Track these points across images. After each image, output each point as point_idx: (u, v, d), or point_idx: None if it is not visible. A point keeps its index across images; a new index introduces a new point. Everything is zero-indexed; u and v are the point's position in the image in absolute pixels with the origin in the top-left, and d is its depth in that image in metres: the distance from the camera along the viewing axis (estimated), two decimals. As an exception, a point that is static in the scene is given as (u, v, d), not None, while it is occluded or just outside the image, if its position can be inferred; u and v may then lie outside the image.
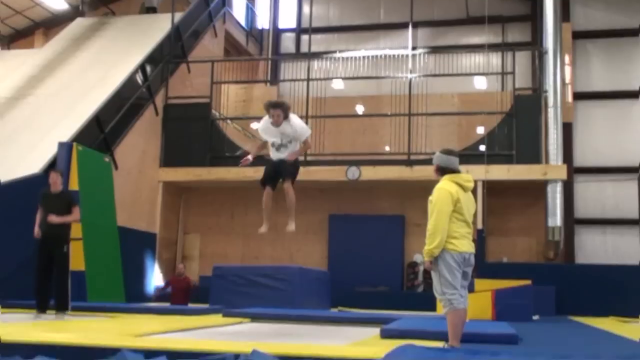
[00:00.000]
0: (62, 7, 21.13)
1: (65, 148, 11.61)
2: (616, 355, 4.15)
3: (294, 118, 7.16)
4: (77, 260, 10.51)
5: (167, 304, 12.31)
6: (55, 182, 8.54)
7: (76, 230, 10.27)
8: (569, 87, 16.32)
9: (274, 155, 7.21)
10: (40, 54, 16.93)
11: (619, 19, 16.87)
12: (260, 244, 15.92)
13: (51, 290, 8.51)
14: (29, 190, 10.23)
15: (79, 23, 18.57)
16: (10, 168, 11.31)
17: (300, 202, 15.69)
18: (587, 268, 14.41)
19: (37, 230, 8.35)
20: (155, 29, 16.66)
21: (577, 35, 16.91)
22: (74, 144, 11.76)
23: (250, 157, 7.33)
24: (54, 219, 8.33)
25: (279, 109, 7.08)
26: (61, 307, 8.37)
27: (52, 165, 11.55)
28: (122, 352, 4.32)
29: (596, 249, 16.01)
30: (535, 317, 10.86)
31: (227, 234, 16.38)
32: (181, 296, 12.80)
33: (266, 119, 7.13)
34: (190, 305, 11.75)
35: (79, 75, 15.32)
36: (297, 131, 7.14)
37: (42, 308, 8.39)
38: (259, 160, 15.58)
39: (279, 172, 7.14)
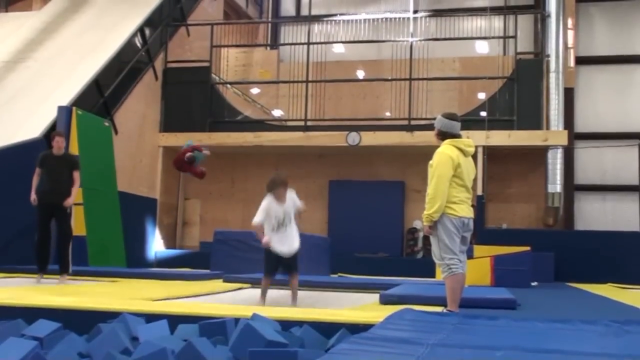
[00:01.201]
0: (60, -31, 20.83)
1: (64, 112, 11.56)
2: (613, 320, 4.18)
3: (289, 192, 6.66)
4: (78, 225, 10.55)
5: (168, 269, 12.37)
6: (60, 144, 8.49)
7: (77, 195, 10.27)
8: (572, 51, 16.18)
9: (277, 241, 6.55)
10: (39, 17, 16.73)
11: (623, -18, 16.67)
12: (260, 209, 15.95)
13: (50, 252, 8.53)
14: (29, 155, 10.20)
15: (77, -15, 18.33)
16: (11, 133, 11.28)
17: (300, 168, 15.87)
18: (586, 235, 14.46)
19: (33, 196, 8.27)
20: (154, -9, 16.45)
21: (581, -2, 16.74)
22: (74, 108, 11.72)
23: (266, 239, 6.53)
24: (69, 202, 8.34)
25: (286, 187, 6.60)
26: (63, 269, 8.41)
27: (52, 130, 11.50)
28: (124, 315, 4.36)
29: (596, 215, 16.03)
30: (534, 284, 10.94)
31: (227, 199, 16.41)
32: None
33: (270, 199, 6.52)
34: (191, 270, 11.81)
35: (77, 38, 15.17)
36: (296, 202, 6.67)
37: (42, 269, 8.41)
38: (261, 125, 15.59)
39: (286, 267, 6.74)
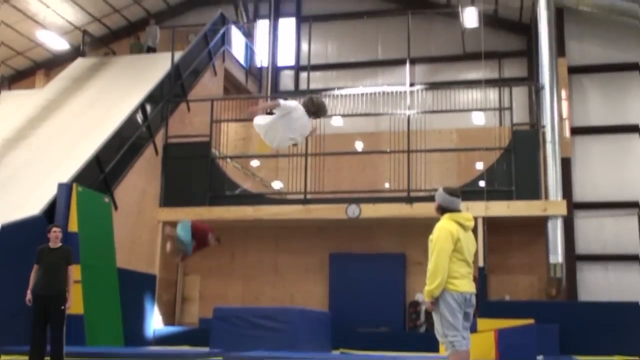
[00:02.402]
0: (63, 48, 21.35)
1: (65, 189, 11.61)
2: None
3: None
4: (75, 303, 10.36)
5: (166, 348, 12.14)
6: (57, 236, 8.45)
7: (75, 273, 10.16)
8: (567, 122, 16.37)
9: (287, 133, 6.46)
10: (41, 95, 17.04)
11: (613, 53, 16.99)
12: (260, 284, 15.86)
13: (46, 345, 8.33)
14: (29, 233, 10.22)
15: (80, 63, 18.74)
16: (12, 210, 11.29)
17: (300, 242, 15.81)
18: (590, 306, 14.23)
19: (29, 296, 8.16)
20: (156, 68, 16.80)
21: (573, 70, 17.03)
22: (74, 184, 11.77)
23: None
24: (69, 305, 8.24)
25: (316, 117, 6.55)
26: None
27: (52, 207, 11.53)
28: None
29: (599, 285, 15.87)
30: (540, 357, 10.74)
31: (227, 275, 16.28)
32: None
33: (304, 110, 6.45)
34: (191, 349, 11.60)
35: (79, 115, 15.39)
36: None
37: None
38: (260, 199, 15.61)
39: None
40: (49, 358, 8.20)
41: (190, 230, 10.68)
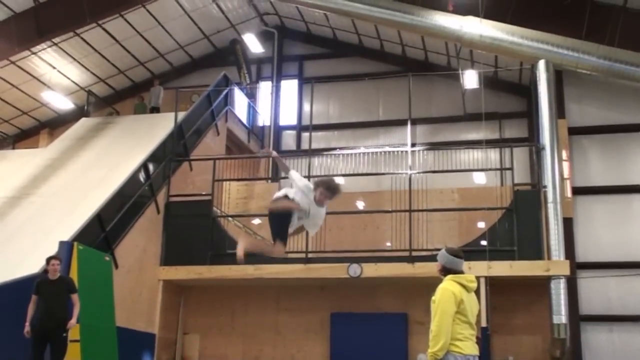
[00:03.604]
0: (68, 107, 21.61)
1: (65, 247, 11.57)
2: None
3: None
4: (73, 364, 10.28)
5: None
6: (55, 268, 8.43)
7: (74, 332, 10.10)
8: (568, 182, 16.42)
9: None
10: (44, 154, 17.18)
11: (613, 115, 17.15)
12: (261, 344, 15.64)
13: None
14: (28, 291, 10.13)
15: (84, 123, 18.96)
16: (12, 268, 11.25)
17: (301, 301, 15.67)
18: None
19: (27, 328, 8.11)
20: (159, 128, 16.98)
21: (573, 131, 17.17)
22: (75, 243, 11.74)
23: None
24: (72, 324, 8.19)
25: (330, 199, 6.43)
26: None
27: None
28: None
29: (604, 346, 15.63)
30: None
31: (227, 334, 16.09)
32: None
33: (310, 188, 6.42)
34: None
35: (82, 174, 15.48)
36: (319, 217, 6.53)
37: None
38: (261, 258, 15.56)
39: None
40: None
41: None
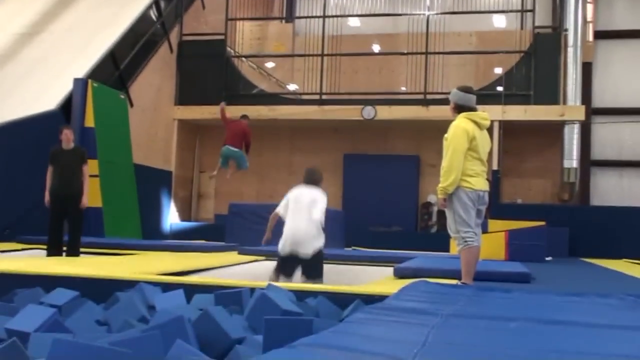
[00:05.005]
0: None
1: (80, 84, 11.59)
2: (627, 293, 4.18)
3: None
4: (94, 197, 10.61)
5: (183, 241, 12.44)
6: (68, 138, 8.43)
7: (93, 167, 10.34)
8: (590, 25, 15.95)
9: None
10: (54, -11, 16.74)
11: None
12: (274, 183, 16.00)
13: (63, 236, 8.48)
14: (45, 127, 10.29)
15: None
16: (27, 105, 11.32)
17: (315, 142, 15.84)
18: (601, 210, 14.39)
19: (47, 197, 8.23)
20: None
21: (601, -30, 16.44)
22: (89, 80, 11.74)
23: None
24: (85, 203, 8.29)
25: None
26: (71, 255, 8.40)
27: (68, 102, 11.56)
28: (141, 285, 4.41)
29: (612, 191, 15.89)
30: (548, 259, 10.92)
31: (241, 172, 16.40)
32: (234, 138, 12.26)
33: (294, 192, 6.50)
34: (207, 242, 11.89)
35: (93, 11, 15.14)
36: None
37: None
38: (276, 99, 15.53)
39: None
40: (65, 248, 8.44)
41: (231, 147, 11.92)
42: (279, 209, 6.40)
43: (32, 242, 9.39)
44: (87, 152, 8.71)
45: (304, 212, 6.15)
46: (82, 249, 8.47)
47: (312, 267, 6.13)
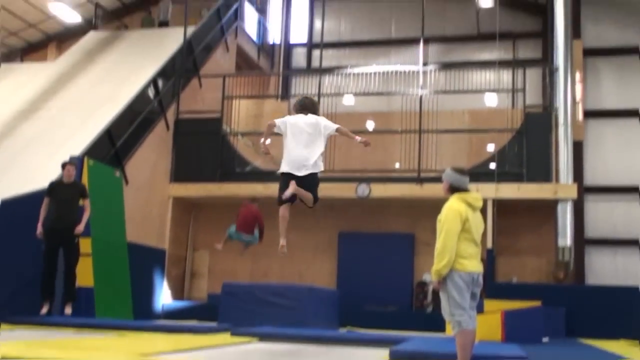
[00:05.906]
0: (76, 21, 21.27)
1: (76, 162, 11.62)
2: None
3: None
4: (86, 276, 10.51)
5: (175, 322, 12.24)
6: (70, 174, 8.52)
7: (85, 246, 10.27)
8: (580, 105, 16.24)
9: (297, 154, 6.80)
10: (53, 67, 17.06)
11: (630, 36, 16.81)
12: (269, 261, 15.89)
13: (55, 284, 8.37)
14: (38, 205, 10.25)
15: (92, 36, 18.73)
16: (22, 182, 11.32)
17: (309, 220, 15.84)
18: (597, 289, 14.25)
19: (39, 229, 8.23)
20: (168, 43, 16.76)
21: (588, 52, 16.86)
22: (85, 158, 11.79)
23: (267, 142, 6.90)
24: (80, 229, 8.28)
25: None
26: (69, 298, 8.31)
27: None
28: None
29: (607, 269, 15.85)
30: (545, 339, 10.76)
31: (236, 251, 16.30)
32: (245, 224, 12.47)
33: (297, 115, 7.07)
34: (199, 323, 11.70)
35: (91, 88, 15.41)
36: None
37: (47, 299, 8.27)
38: (271, 176, 15.63)
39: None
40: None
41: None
42: (276, 120, 6.80)
43: (21, 323, 9.19)
44: (85, 189, 8.73)
45: (304, 135, 6.72)
46: (71, 329, 8.33)
47: (310, 182, 6.84)
